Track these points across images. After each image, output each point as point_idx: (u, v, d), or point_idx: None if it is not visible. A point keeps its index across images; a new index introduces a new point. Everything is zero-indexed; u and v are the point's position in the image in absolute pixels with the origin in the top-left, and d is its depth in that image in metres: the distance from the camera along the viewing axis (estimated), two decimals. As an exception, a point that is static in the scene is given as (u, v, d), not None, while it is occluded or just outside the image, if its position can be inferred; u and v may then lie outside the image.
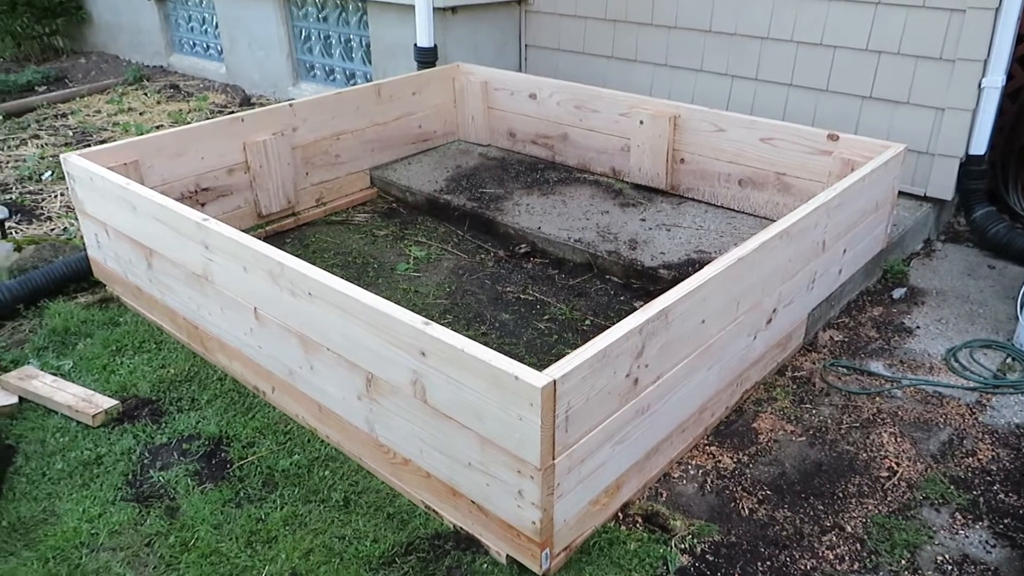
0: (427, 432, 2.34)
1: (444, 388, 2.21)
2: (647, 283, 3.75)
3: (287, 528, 2.46)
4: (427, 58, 5.28)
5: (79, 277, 3.91)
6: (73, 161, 3.58)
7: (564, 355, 3.29)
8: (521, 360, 3.35)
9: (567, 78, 5.22)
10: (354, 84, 6.29)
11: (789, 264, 2.92)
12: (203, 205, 4.17)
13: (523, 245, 4.21)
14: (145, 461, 2.79)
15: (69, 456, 2.80)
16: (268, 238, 4.43)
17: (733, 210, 4.26)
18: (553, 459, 2.06)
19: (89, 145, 6.05)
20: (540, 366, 3.35)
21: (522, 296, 3.81)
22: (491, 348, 3.32)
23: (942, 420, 2.90)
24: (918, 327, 3.50)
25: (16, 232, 4.60)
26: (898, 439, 2.80)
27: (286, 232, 4.52)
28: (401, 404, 2.39)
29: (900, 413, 2.94)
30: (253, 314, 2.86)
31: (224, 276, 2.92)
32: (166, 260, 3.24)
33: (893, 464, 2.68)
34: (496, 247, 4.27)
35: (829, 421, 2.91)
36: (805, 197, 3.91)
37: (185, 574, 2.32)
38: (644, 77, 5.17)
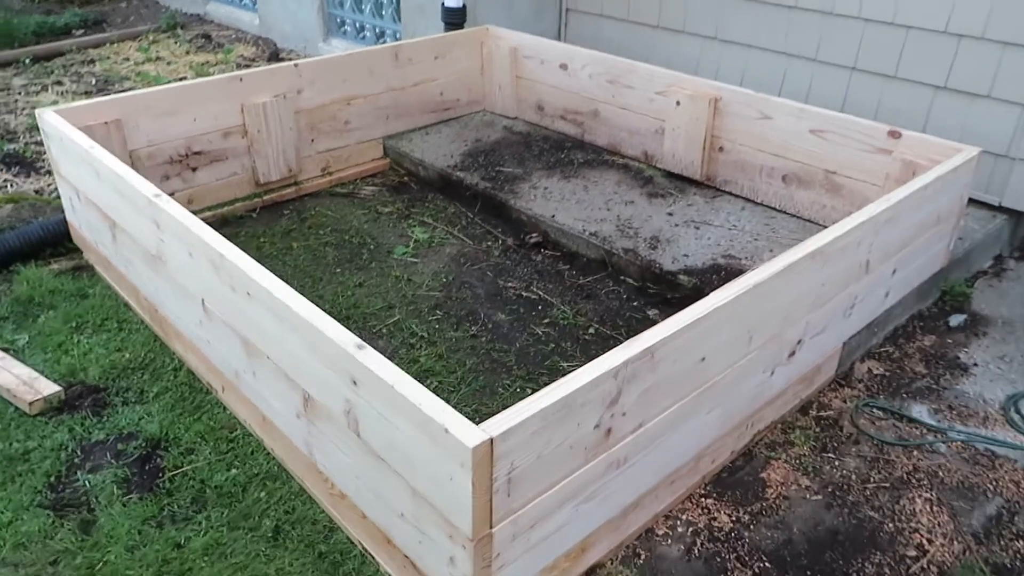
0: (362, 469, 2.00)
1: (376, 424, 1.86)
2: (664, 288, 3.32)
3: (205, 559, 2.17)
4: (454, 19, 4.86)
5: (56, 241, 3.67)
6: (47, 118, 3.31)
7: (558, 368, 2.94)
8: (509, 371, 2.99)
9: (610, 47, 4.75)
10: (384, 43, 5.90)
11: (822, 289, 2.47)
12: (194, 170, 3.88)
13: (534, 234, 3.81)
14: (75, 460, 2.52)
15: (-4, 448, 2.56)
16: (265, 208, 4.13)
17: (774, 209, 3.77)
18: (491, 527, 1.70)
19: (109, 95, 5.83)
20: (527, 380, 2.98)
21: (524, 293, 3.42)
22: (479, 353, 2.97)
23: (991, 488, 2.43)
24: (975, 364, 3.00)
25: (11, 185, 4.40)
26: (934, 508, 2.35)
27: (285, 202, 4.20)
28: (337, 432, 2.05)
29: (941, 474, 2.48)
30: (201, 306, 2.55)
31: (175, 260, 2.61)
32: (126, 233, 2.95)
33: (924, 541, 2.24)
34: (506, 234, 3.88)
35: (854, 477, 2.47)
36: (856, 201, 3.40)
37: (82, 606, 2.05)
38: (692, 50, 4.65)
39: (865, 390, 2.87)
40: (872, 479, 2.46)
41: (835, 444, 2.61)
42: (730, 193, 3.92)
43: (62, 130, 3.17)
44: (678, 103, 3.92)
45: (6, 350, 3.01)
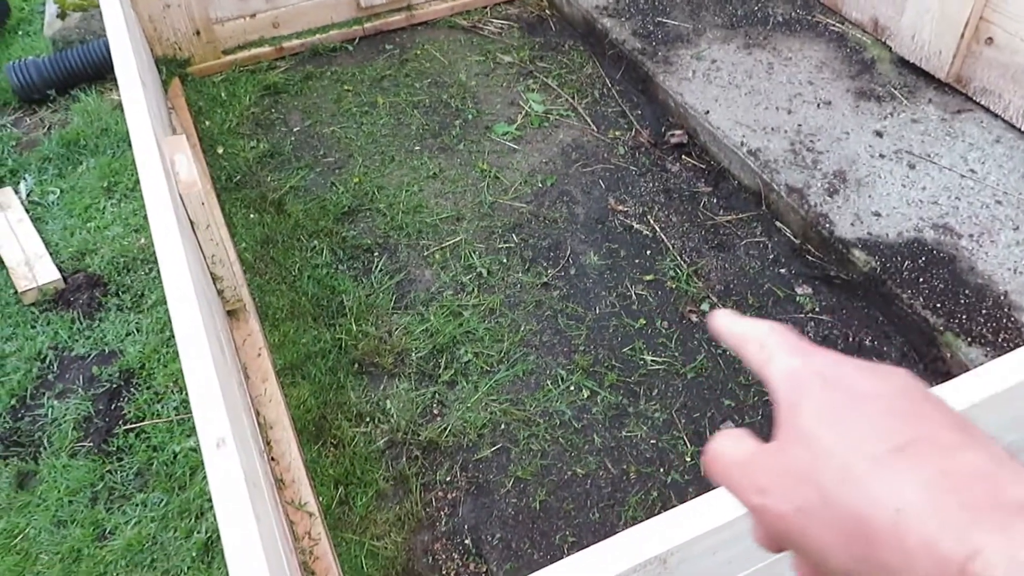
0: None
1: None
2: (830, 262, 2.33)
3: (122, 564, 1.81)
4: None
5: (126, 62, 3.21)
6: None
7: (636, 363, 2.17)
8: (570, 354, 2.23)
9: None
10: None
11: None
12: (280, -14, 3.18)
13: (678, 131, 2.82)
14: (49, 377, 2.22)
15: (-24, 346, 2.30)
16: (365, 39, 3.40)
17: (1047, 150, 2.49)
18: None
19: None
20: (588, 374, 2.18)
21: (636, 225, 2.56)
22: (543, 315, 2.39)
23: None
24: None
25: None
26: None
27: (392, 32, 3.43)
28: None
29: None
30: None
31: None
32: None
33: None
34: (643, 120, 2.92)
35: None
36: None
37: (-20, 594, 1.80)
38: None
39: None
40: None
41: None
42: (985, 109, 2.64)
43: (92, -59, 2.56)
44: (939, -42, 2.56)
45: (36, 205, 2.70)
